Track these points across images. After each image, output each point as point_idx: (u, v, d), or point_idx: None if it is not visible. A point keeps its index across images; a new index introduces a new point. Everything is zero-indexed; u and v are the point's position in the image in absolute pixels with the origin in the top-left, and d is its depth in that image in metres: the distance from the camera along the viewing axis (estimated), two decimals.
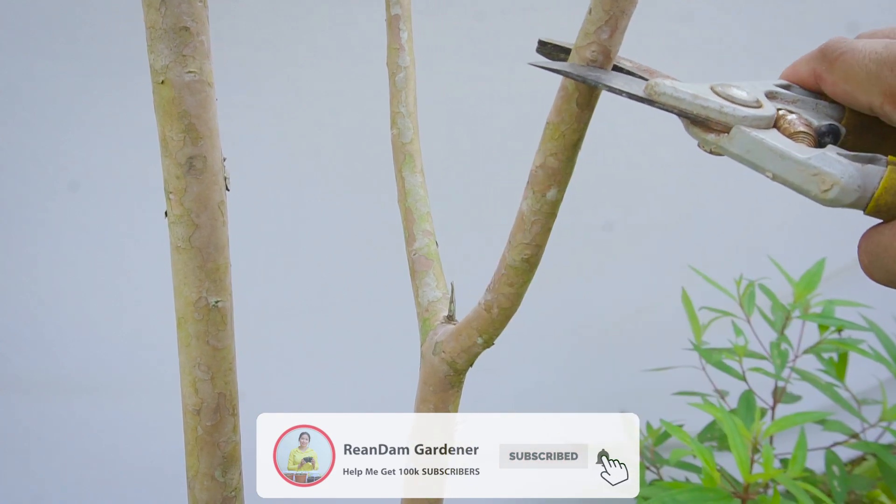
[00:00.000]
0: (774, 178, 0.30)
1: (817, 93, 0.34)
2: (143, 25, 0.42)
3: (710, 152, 0.33)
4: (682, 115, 0.32)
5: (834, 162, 0.29)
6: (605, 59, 0.32)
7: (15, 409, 1.28)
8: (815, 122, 0.32)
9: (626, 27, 0.31)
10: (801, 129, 0.31)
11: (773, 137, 0.30)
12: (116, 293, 1.26)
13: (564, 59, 0.35)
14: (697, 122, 0.32)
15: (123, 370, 1.28)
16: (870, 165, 0.29)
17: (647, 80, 0.34)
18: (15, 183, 1.20)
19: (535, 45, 0.37)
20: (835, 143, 0.32)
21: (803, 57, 0.35)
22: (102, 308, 1.27)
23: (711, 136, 0.31)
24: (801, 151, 0.30)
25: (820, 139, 0.32)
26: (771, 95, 0.33)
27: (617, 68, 0.34)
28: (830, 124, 0.32)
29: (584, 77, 0.31)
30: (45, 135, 1.17)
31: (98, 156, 1.19)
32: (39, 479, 1.29)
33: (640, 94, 0.32)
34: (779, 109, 0.32)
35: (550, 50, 0.36)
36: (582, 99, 0.33)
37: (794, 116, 0.32)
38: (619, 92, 0.32)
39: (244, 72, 1.15)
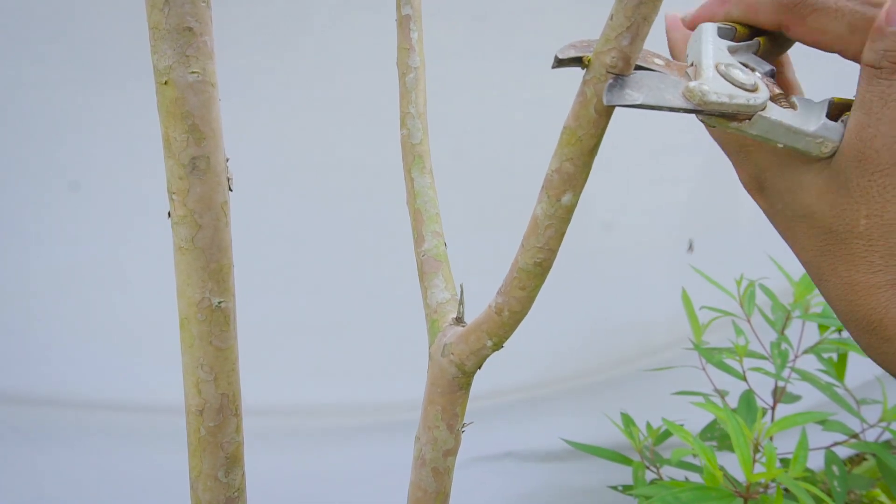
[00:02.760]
0: (784, 146, 0.36)
1: (750, 28, 0.40)
2: (144, 26, 0.42)
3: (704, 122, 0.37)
4: (721, 115, 0.35)
5: (832, 129, 0.35)
6: (625, 65, 0.32)
7: (17, 417, 1.28)
8: (761, 70, 0.38)
9: (647, 34, 0.31)
10: (777, 90, 0.37)
11: (782, 116, 0.35)
12: (118, 294, 1.26)
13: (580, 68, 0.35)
14: (728, 116, 0.35)
15: (126, 371, 1.28)
16: (840, 121, 0.36)
17: (646, 67, 0.35)
18: (15, 183, 1.20)
19: (547, 49, 0.36)
20: (773, 80, 0.38)
21: (761, 2, 0.39)
22: (104, 310, 1.26)
23: (734, 124, 0.35)
24: (805, 123, 0.36)
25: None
26: (731, 51, 0.38)
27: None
28: (771, 69, 0.38)
29: (643, 104, 0.33)
30: (46, 135, 1.17)
31: (98, 156, 1.19)
32: (40, 486, 1.29)
33: (690, 106, 0.34)
34: (741, 63, 0.37)
35: (567, 63, 0.36)
36: (600, 105, 0.33)
37: (759, 76, 0.37)
38: (675, 110, 0.34)
39: (248, 71, 1.15)
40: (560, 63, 0.35)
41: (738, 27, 0.40)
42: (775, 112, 0.35)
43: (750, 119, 0.35)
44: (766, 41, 0.40)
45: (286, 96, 1.20)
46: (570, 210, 0.36)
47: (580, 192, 0.36)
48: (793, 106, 0.37)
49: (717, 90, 0.34)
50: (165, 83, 0.42)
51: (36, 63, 1.11)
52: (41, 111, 1.15)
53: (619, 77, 0.33)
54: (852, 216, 0.34)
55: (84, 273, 1.24)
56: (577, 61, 0.35)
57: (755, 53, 0.39)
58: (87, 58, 1.13)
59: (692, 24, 0.41)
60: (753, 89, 0.35)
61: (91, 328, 1.26)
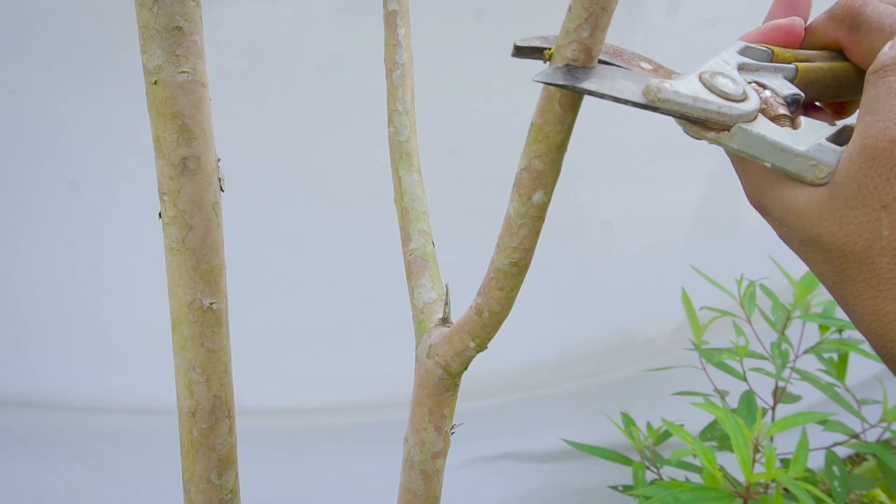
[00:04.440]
0: (773, 167, 0.32)
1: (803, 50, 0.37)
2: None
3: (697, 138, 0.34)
4: (683, 117, 0.32)
5: (828, 151, 0.32)
6: (587, 58, 0.31)
7: (11, 420, 1.28)
8: (781, 93, 0.34)
9: (607, 24, 0.30)
10: (781, 111, 0.33)
11: (769, 131, 0.32)
12: (112, 296, 1.26)
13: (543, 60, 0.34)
14: (697, 122, 0.33)
15: (121, 373, 1.27)
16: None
17: (623, 67, 0.34)
18: (10, 185, 1.20)
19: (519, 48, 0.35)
20: (797, 108, 0.35)
21: (819, 22, 0.37)
22: (98, 313, 1.26)
23: (711, 134, 0.33)
24: (797, 142, 0.32)
25: (789, 109, 0.34)
26: (741, 67, 0.35)
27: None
28: (794, 94, 0.34)
29: (582, 88, 0.31)
30: (41, 137, 1.17)
31: (94, 158, 1.19)
32: (36, 489, 1.29)
33: (642, 100, 0.32)
34: (749, 83, 0.34)
35: (528, 53, 0.34)
36: (564, 100, 0.32)
37: (769, 95, 0.34)
38: (622, 101, 0.32)
39: (239, 71, 1.15)
40: (518, 51, 0.34)
41: (775, 50, 0.37)
42: (762, 127, 0.32)
43: (729, 131, 0.32)
44: (802, 73, 0.36)
45: (278, 96, 1.20)
46: (542, 208, 0.35)
47: (552, 190, 0.35)
48: (794, 126, 0.33)
49: (678, 90, 0.32)
50: (155, 83, 0.42)
51: (32, 64, 1.11)
52: (37, 113, 1.15)
53: (578, 68, 0.31)
54: (871, 230, 0.30)
55: (81, 275, 1.24)
56: (538, 52, 0.34)
57: (790, 80, 0.36)
58: (86, 58, 1.13)
59: (758, 37, 0.37)
60: (740, 99, 0.32)
61: (85, 330, 1.26)
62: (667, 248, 1.46)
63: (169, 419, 0.94)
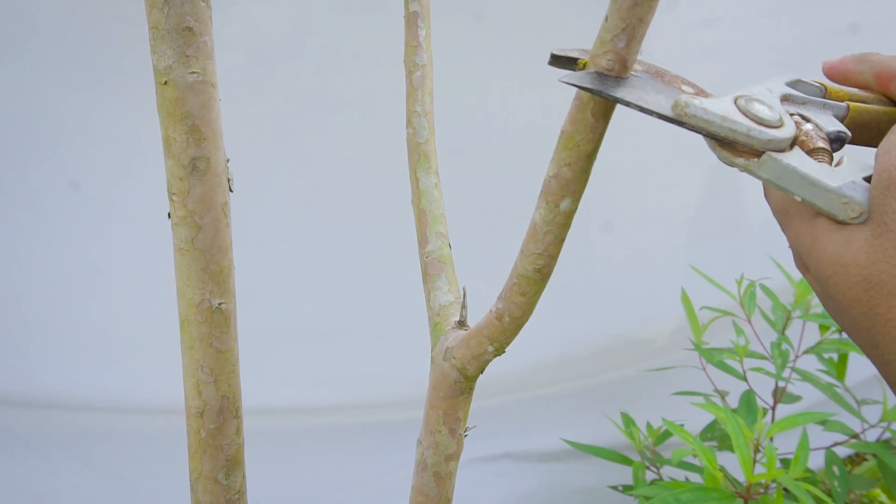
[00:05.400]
0: (803, 201, 0.31)
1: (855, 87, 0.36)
2: (145, 26, 0.42)
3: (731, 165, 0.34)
4: (710, 136, 0.32)
5: (861, 189, 0.30)
6: (622, 68, 0.31)
7: (15, 420, 1.28)
8: (825, 129, 0.33)
9: (643, 35, 0.30)
10: (820, 144, 0.32)
11: (801, 163, 0.31)
12: (116, 295, 1.26)
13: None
14: (725, 143, 0.32)
15: (125, 373, 1.27)
16: None
17: (660, 83, 0.33)
18: (13, 184, 1.19)
19: (549, 51, 0.35)
20: (841, 147, 0.33)
21: (888, 65, 0.35)
22: (102, 312, 1.26)
23: (741, 160, 0.31)
24: (830, 178, 0.31)
25: (831, 146, 0.33)
26: (784, 98, 0.34)
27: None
28: (839, 132, 0.33)
29: (610, 95, 0.31)
30: (44, 136, 1.16)
31: (97, 158, 1.18)
32: (38, 490, 1.29)
33: (669, 113, 0.31)
34: (792, 115, 0.33)
35: (564, 63, 0.34)
36: (597, 109, 0.32)
37: (809, 128, 0.33)
38: (648, 111, 0.31)
39: (249, 71, 1.15)
40: (555, 60, 0.34)
41: (828, 86, 0.36)
42: (795, 158, 0.31)
43: (759, 158, 0.31)
44: (854, 113, 0.35)
45: (288, 95, 1.20)
46: (569, 216, 0.35)
47: (579, 198, 0.34)
48: (832, 162, 0.32)
49: (707, 107, 0.31)
50: (165, 83, 0.42)
51: (35, 63, 1.11)
52: (37, 113, 1.14)
53: (611, 77, 0.31)
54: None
55: (81, 275, 1.23)
56: (572, 62, 0.34)
57: (840, 118, 0.35)
58: (87, 58, 1.13)
59: (831, 72, 0.37)
60: (773, 126, 0.31)
61: (89, 330, 1.26)
62: (667, 249, 1.46)
63: (169, 419, 0.94)
